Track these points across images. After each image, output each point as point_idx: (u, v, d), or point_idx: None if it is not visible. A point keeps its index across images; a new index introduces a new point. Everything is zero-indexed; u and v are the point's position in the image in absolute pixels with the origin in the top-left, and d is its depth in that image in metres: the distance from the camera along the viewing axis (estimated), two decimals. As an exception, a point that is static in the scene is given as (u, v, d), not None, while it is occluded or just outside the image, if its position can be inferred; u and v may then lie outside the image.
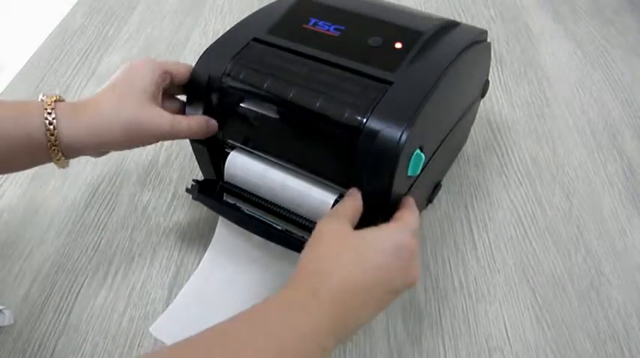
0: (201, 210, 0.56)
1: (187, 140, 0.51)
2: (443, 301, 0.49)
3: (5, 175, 0.61)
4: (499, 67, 0.75)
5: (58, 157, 0.40)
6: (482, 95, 0.57)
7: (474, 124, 0.63)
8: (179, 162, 0.62)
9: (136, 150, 0.63)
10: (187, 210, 0.57)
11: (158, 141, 0.44)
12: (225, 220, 0.49)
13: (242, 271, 0.48)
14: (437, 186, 0.56)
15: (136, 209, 0.57)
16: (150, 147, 0.64)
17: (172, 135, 0.43)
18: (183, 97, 0.48)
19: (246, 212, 0.47)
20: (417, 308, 0.49)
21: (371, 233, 0.37)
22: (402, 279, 0.36)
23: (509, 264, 0.52)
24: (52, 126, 0.39)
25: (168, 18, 0.86)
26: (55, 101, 0.40)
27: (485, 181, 0.60)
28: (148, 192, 0.59)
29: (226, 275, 0.49)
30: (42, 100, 0.40)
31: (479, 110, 0.61)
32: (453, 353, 0.46)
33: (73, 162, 0.61)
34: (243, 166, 0.46)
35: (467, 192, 0.59)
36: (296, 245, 0.44)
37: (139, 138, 0.42)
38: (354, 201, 0.40)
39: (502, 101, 0.70)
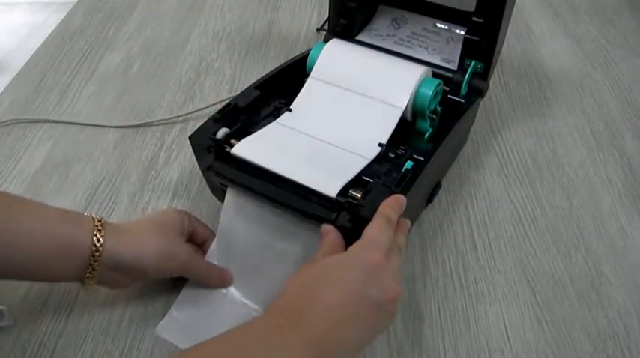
0: (201, 211, 0.56)
1: (187, 140, 0.51)
2: (443, 301, 0.49)
3: (5, 175, 0.61)
4: (499, 67, 0.75)
5: (91, 273, 0.42)
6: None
7: (474, 124, 0.63)
8: (179, 162, 0.62)
9: (136, 150, 0.63)
10: (187, 210, 0.57)
11: (176, 274, 0.46)
12: (227, 212, 0.49)
13: (245, 265, 0.48)
14: (437, 186, 0.56)
15: (136, 209, 0.57)
16: (150, 147, 0.64)
17: (190, 272, 0.47)
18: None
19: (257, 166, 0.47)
20: (417, 308, 0.49)
21: (333, 258, 0.38)
22: (377, 291, 0.36)
23: (509, 264, 0.52)
24: (99, 243, 0.41)
25: (168, 18, 0.86)
26: (103, 221, 0.43)
27: (485, 181, 0.60)
28: (148, 192, 0.59)
29: (230, 269, 0.49)
30: (92, 217, 0.42)
31: (479, 110, 0.61)
32: (453, 353, 0.46)
33: (73, 162, 0.62)
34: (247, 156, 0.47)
35: (467, 192, 0.59)
36: (308, 207, 0.44)
37: (167, 267, 0.45)
38: (329, 238, 0.41)
39: (502, 101, 0.70)
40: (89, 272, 0.41)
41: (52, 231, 0.41)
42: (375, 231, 0.39)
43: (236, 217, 0.48)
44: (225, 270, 0.49)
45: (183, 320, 0.47)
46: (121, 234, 0.43)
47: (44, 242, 0.40)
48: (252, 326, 0.35)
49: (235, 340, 0.34)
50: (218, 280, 0.48)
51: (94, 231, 0.41)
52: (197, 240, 0.50)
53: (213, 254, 0.49)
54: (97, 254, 0.41)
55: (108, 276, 0.43)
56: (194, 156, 0.53)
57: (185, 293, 0.48)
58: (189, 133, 0.50)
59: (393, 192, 0.43)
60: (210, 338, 0.34)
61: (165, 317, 0.47)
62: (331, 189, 0.44)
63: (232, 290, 0.48)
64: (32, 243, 0.40)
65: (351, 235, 0.40)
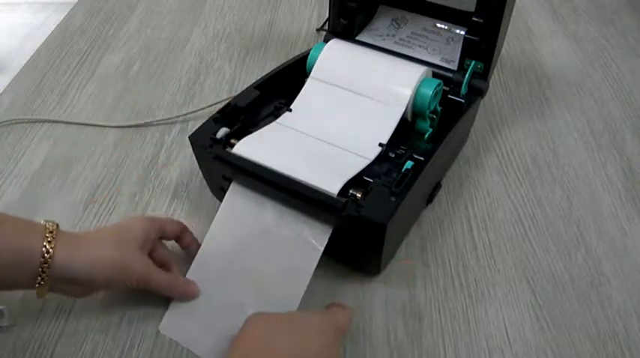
0: (201, 211, 0.56)
1: (187, 140, 0.51)
2: (443, 301, 0.49)
3: (5, 175, 0.61)
4: (499, 67, 0.75)
5: (40, 284, 0.41)
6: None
7: (474, 124, 0.63)
8: (179, 162, 0.62)
9: (136, 150, 0.63)
10: (187, 210, 0.57)
11: (134, 286, 0.44)
12: (225, 208, 0.48)
13: (239, 258, 0.48)
14: (437, 186, 0.56)
15: (136, 209, 0.57)
16: (150, 147, 0.64)
17: (149, 284, 0.45)
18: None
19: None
20: (417, 308, 0.49)
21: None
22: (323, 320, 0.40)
23: (509, 263, 0.52)
24: (48, 255, 0.40)
25: (168, 18, 0.86)
26: (57, 229, 0.42)
27: (485, 181, 0.60)
28: (147, 192, 0.59)
29: (224, 263, 0.48)
30: (44, 225, 0.41)
31: (479, 110, 0.61)
32: (452, 353, 0.46)
33: (73, 162, 0.62)
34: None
35: (467, 192, 0.59)
36: (310, 198, 0.44)
37: (120, 280, 0.43)
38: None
39: (502, 101, 0.70)
40: (39, 283, 0.40)
41: (5, 241, 0.40)
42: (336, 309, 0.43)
43: (236, 211, 0.48)
44: (190, 282, 0.47)
45: (183, 317, 0.47)
46: (73, 244, 0.42)
47: None
48: None
49: None
50: (181, 293, 0.47)
51: (44, 240, 0.40)
52: (167, 237, 0.49)
53: (207, 249, 0.49)
54: (46, 265, 0.40)
55: (60, 287, 0.42)
56: (194, 156, 0.53)
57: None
58: (189, 133, 0.50)
59: (392, 192, 0.43)
60: None
61: (166, 314, 0.47)
62: (332, 187, 0.44)
63: (227, 284, 0.48)
64: None
65: (356, 226, 0.41)
